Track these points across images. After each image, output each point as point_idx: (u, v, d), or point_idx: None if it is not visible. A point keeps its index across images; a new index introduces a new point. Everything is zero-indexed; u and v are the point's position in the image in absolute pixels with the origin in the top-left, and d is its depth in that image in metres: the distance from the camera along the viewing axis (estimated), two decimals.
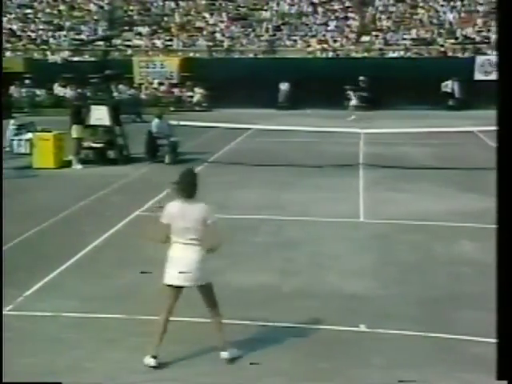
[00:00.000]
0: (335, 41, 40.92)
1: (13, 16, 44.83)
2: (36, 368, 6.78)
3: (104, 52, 23.73)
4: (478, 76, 36.48)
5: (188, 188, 6.99)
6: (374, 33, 41.31)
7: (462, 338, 7.53)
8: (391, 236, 11.89)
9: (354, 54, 39.71)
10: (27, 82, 36.55)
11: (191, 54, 40.58)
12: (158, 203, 7.33)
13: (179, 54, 40.66)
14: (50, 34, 43.58)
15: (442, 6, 42.74)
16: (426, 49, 39.58)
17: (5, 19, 42.29)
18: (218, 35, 42.48)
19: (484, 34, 39.84)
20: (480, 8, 41.96)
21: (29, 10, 45.92)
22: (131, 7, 45.37)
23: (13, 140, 21.27)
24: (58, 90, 36.98)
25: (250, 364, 6.91)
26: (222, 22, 43.84)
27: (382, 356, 7.10)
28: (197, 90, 37.07)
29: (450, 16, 41.77)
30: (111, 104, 20.42)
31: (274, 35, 42.06)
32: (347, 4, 43.81)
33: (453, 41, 39.83)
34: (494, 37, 39.09)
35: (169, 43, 42.07)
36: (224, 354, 6.94)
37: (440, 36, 40.35)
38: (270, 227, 12.48)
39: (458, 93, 36.17)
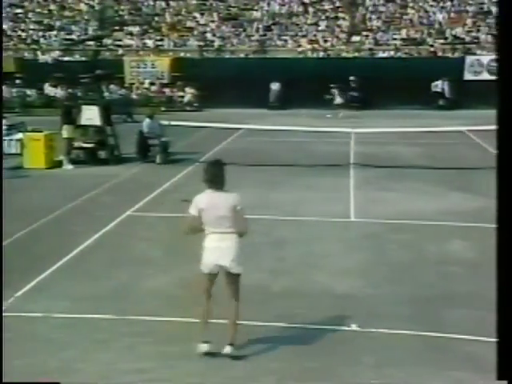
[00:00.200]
0: (326, 41, 41.00)
1: (3, 15, 44.66)
2: (26, 369, 6.77)
3: (95, 52, 23.67)
4: (468, 76, 36.66)
5: (216, 179, 7.06)
6: (364, 33, 41.43)
7: (452, 336, 7.56)
8: (382, 235, 11.92)
9: (344, 54, 39.82)
10: (18, 81, 36.47)
11: (182, 54, 40.58)
12: (184, 198, 7.33)
13: (170, 53, 40.66)
14: (40, 33, 43.52)
15: (432, 6, 42.89)
16: (415, 49, 39.72)
17: None
18: (208, 35, 42.49)
19: (473, 34, 40.01)
20: (469, 8, 42.12)
21: (19, 10, 45.82)
22: (122, 7, 45.35)
23: (3, 140, 21.19)
24: (48, 89, 36.91)
25: (240, 364, 6.93)
26: (212, 21, 43.85)
27: (372, 355, 7.12)
28: (188, 89, 37.06)
29: (440, 16, 41.93)
30: (102, 104, 20.39)
31: (265, 35, 42.11)
32: (337, 4, 43.90)
33: (442, 41, 39.98)
34: (483, 37, 39.30)
35: (160, 43, 42.06)
36: (228, 349, 6.99)
37: (430, 36, 40.49)
38: (261, 227, 12.46)
39: (448, 93, 36.32)
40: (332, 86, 34.04)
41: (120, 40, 42.07)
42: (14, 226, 11.84)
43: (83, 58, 33.52)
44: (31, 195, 15.22)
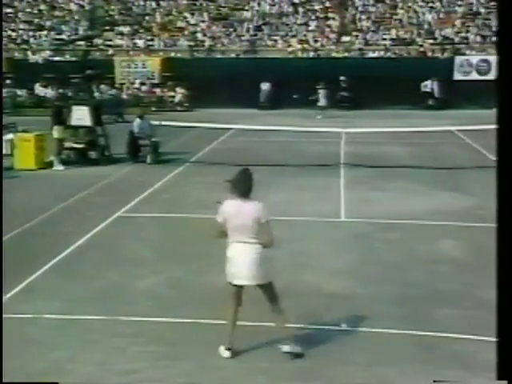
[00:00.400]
0: (316, 41, 41.06)
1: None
2: (17, 370, 6.76)
3: (85, 52, 23.71)
4: (457, 76, 36.83)
5: (243, 187, 7.03)
6: (354, 33, 41.50)
7: (442, 335, 7.62)
8: (372, 235, 11.96)
9: (334, 54, 39.88)
10: (8, 81, 36.33)
11: (172, 54, 40.56)
12: (217, 200, 7.34)
13: (160, 53, 40.65)
14: (30, 33, 43.39)
15: (421, 6, 43.02)
16: (405, 49, 39.84)
17: None
18: (199, 35, 42.48)
19: (462, 34, 40.17)
20: (458, 9, 42.28)
21: (9, 10, 45.64)
22: (112, 7, 45.25)
23: None
24: (39, 90, 36.84)
25: (232, 363, 6.96)
26: (203, 21, 43.84)
27: (363, 354, 7.17)
28: (178, 89, 37.06)
29: (429, 17, 42.07)
30: (92, 104, 20.38)
31: (255, 35, 42.14)
32: (327, 4, 43.97)
33: (432, 41, 40.12)
34: (472, 37, 39.49)
35: (150, 43, 42.02)
36: (285, 348, 7.06)
37: (419, 36, 40.63)
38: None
39: (438, 93, 36.46)
40: (318, 87, 33.99)
41: (110, 40, 42.00)
42: (4, 227, 11.82)
43: (74, 58, 33.51)
44: (22, 196, 15.19)
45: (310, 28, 42.35)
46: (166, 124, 21.06)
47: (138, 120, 20.41)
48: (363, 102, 35.50)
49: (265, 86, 37.18)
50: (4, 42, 42.20)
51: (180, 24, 43.89)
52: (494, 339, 7.08)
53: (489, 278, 9.40)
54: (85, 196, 15.22)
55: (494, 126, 17.98)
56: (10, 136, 20.52)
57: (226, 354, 7.09)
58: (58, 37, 42.41)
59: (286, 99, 35.92)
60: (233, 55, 40.46)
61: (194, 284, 9.42)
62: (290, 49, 40.42)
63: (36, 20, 44.95)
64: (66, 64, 32.97)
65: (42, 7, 46.17)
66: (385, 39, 40.78)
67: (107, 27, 42.12)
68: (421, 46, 39.70)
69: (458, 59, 37.32)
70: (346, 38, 41.15)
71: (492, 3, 41.30)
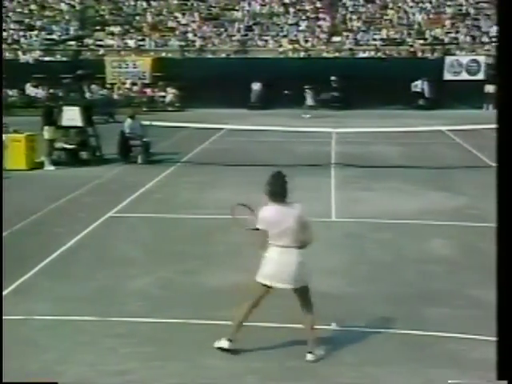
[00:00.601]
0: (306, 41, 41.15)
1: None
2: (9, 372, 6.75)
3: (76, 52, 23.73)
4: (448, 76, 37.00)
5: (280, 191, 7.02)
6: (344, 33, 41.60)
7: (433, 334, 7.65)
8: (363, 235, 12.00)
9: (325, 54, 39.97)
10: None
11: (163, 54, 40.56)
12: (241, 203, 7.33)
13: (151, 53, 40.63)
14: (21, 33, 43.25)
15: (411, 7, 43.16)
16: (395, 49, 39.97)
17: None
18: (190, 35, 42.48)
19: (452, 35, 40.33)
20: (448, 10, 42.44)
21: None
22: (103, 7, 45.18)
23: None
24: (29, 90, 36.74)
25: (222, 364, 6.97)
26: (193, 21, 43.85)
27: (353, 354, 7.19)
28: (169, 90, 37.06)
29: (419, 17, 42.21)
30: (83, 104, 20.36)
31: (246, 35, 42.19)
32: (318, 4, 44.03)
33: (422, 41, 40.25)
34: (462, 38, 39.65)
35: (141, 43, 42.00)
36: (310, 357, 7.00)
37: (409, 36, 40.76)
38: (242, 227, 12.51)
39: (428, 92, 36.59)
40: (306, 87, 34.04)
41: (101, 40, 41.94)
42: None
43: (64, 58, 33.48)
44: (13, 197, 15.09)
45: (301, 28, 42.43)
46: (156, 124, 21.08)
47: (129, 120, 20.39)
48: (354, 102, 35.59)
49: (256, 86, 37.22)
50: None
51: (171, 24, 43.88)
52: (486, 337, 7.18)
53: (479, 276, 9.51)
54: (76, 196, 15.19)
55: (484, 126, 18.03)
56: None
57: (225, 343, 7.04)
58: (48, 37, 42.33)
59: (277, 99, 35.98)
60: (223, 55, 40.50)
61: (186, 284, 9.43)
62: (280, 49, 40.49)
63: (26, 20, 44.83)
64: (56, 64, 32.91)
65: (33, 7, 46.05)
66: (375, 39, 40.91)
67: (98, 27, 42.12)
68: (411, 46, 39.85)
69: (448, 59, 37.50)
70: (336, 38, 41.26)
71: (481, 4, 41.56)
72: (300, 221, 6.93)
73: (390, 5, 43.60)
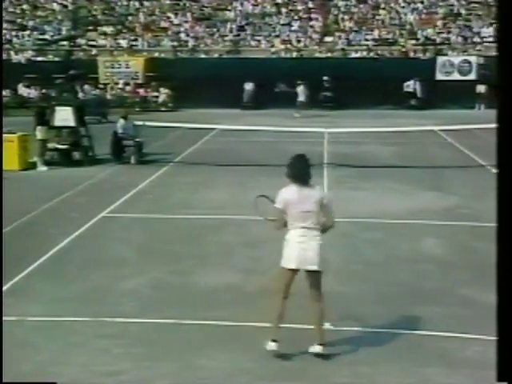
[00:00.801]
0: (299, 41, 41.19)
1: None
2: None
3: (68, 52, 23.67)
4: (439, 76, 37.11)
5: (302, 174, 7.05)
6: (336, 33, 41.65)
7: (425, 333, 7.69)
8: (355, 234, 12.01)
9: (317, 55, 40.01)
10: None
11: (156, 54, 40.54)
12: (265, 196, 7.35)
13: (144, 54, 40.59)
14: (13, 33, 43.13)
15: (403, 7, 43.26)
16: (388, 49, 40.06)
17: None
18: (182, 35, 42.46)
19: (444, 35, 40.44)
20: (439, 10, 42.56)
21: None
22: (95, 7, 45.10)
23: None
24: (22, 90, 36.65)
25: (215, 364, 6.98)
26: (186, 22, 43.84)
27: (347, 353, 7.21)
28: (162, 90, 37.04)
29: (411, 17, 42.31)
30: (76, 105, 20.33)
31: (238, 35, 42.20)
32: (310, 5, 44.08)
33: (414, 41, 40.36)
34: (453, 38, 39.77)
35: (133, 43, 41.95)
36: (316, 348, 7.02)
37: (401, 37, 40.85)
38: (235, 227, 12.55)
39: (420, 92, 36.68)
40: (298, 82, 34.03)
41: (94, 40, 41.89)
42: None
43: (57, 59, 33.34)
44: (5, 197, 15.03)
45: (293, 28, 42.47)
46: (149, 124, 21.08)
47: (121, 120, 20.37)
48: (346, 102, 35.63)
49: (248, 86, 37.22)
50: None
51: (163, 24, 43.85)
52: (477, 336, 7.23)
53: (471, 275, 9.56)
54: (69, 197, 15.18)
55: (475, 126, 18.07)
56: None
57: (272, 346, 7.00)
58: (40, 37, 42.24)
59: (270, 99, 36.01)
60: (216, 55, 40.49)
61: (178, 285, 9.44)
62: (273, 49, 40.52)
63: (19, 20, 44.71)
64: (49, 64, 32.88)
65: (25, 7, 45.94)
66: (367, 40, 40.98)
67: (90, 27, 42.04)
68: (403, 46, 39.94)
69: (440, 59, 37.61)
70: (328, 39, 41.32)
71: (473, 5, 41.71)
72: (322, 203, 6.95)
73: (382, 5, 43.69)
